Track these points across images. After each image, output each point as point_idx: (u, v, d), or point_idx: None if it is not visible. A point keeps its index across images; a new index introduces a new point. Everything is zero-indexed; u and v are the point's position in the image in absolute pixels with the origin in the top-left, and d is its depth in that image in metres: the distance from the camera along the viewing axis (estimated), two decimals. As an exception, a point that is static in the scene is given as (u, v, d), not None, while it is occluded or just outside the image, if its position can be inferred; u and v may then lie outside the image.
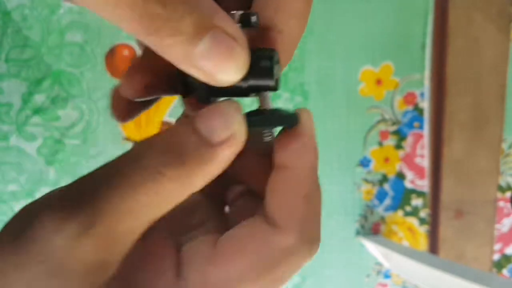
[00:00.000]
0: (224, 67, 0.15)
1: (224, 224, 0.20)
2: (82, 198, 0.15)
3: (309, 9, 0.18)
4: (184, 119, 0.19)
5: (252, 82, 0.17)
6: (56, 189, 0.16)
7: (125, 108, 0.21)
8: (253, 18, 0.17)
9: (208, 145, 0.16)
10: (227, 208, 0.22)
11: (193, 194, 0.19)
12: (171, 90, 0.20)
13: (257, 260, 0.17)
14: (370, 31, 0.76)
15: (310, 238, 0.18)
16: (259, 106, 0.18)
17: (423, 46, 0.77)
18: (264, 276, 0.17)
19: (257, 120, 0.17)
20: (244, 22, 0.17)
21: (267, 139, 0.19)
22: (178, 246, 0.19)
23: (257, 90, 0.17)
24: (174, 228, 0.20)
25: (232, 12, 0.17)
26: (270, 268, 0.17)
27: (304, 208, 0.18)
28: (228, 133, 0.16)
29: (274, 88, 0.17)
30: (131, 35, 0.15)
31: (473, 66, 0.77)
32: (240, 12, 0.17)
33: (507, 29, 0.77)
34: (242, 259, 0.17)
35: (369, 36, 0.76)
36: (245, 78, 0.16)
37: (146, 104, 0.21)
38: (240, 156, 0.18)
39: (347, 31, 0.76)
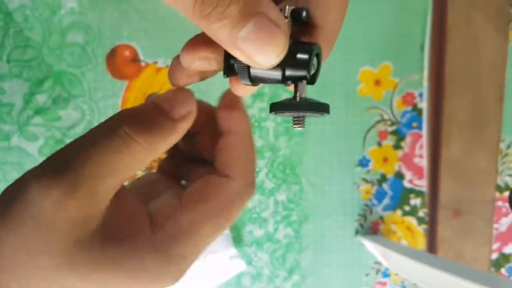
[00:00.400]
0: (263, 51, 0.16)
1: (183, 190, 0.24)
2: (66, 166, 0.18)
3: (347, 4, 0.20)
4: (148, 99, 0.22)
5: (289, 72, 0.18)
6: (43, 161, 0.19)
7: (181, 74, 0.23)
8: (303, 14, 0.18)
9: (171, 119, 0.20)
10: (183, 182, 0.26)
11: (152, 172, 0.27)
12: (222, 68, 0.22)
13: (216, 203, 0.22)
14: (369, 32, 0.76)
15: (251, 183, 0.23)
16: (294, 95, 0.19)
17: (422, 47, 0.77)
18: (221, 215, 0.22)
19: (291, 105, 0.19)
20: (295, 17, 0.18)
21: (297, 127, 0.20)
22: (145, 206, 0.22)
23: (293, 80, 0.19)
24: (141, 196, 0.23)
25: (282, 6, 0.18)
26: (225, 209, 0.22)
27: (245, 161, 0.23)
28: (185, 111, 0.21)
29: (308, 80, 0.19)
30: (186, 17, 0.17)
31: (471, 66, 0.78)
32: (292, 7, 0.18)
33: (506, 29, 0.77)
34: (205, 204, 0.22)
35: (368, 36, 0.77)
36: (283, 67, 0.18)
37: (200, 75, 0.23)
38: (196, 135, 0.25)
39: (346, 32, 0.76)
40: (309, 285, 0.80)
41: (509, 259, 0.84)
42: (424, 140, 0.79)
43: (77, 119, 0.73)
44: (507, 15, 0.77)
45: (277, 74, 0.19)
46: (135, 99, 0.74)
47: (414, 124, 0.79)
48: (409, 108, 0.78)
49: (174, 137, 0.21)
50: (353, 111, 0.78)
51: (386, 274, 0.82)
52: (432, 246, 0.82)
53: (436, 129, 0.79)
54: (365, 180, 0.79)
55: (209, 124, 0.24)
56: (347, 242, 0.80)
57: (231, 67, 0.19)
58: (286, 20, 0.18)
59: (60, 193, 0.18)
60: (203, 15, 0.16)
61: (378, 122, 0.78)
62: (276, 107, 0.20)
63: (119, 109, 0.74)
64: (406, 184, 0.80)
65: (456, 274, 0.55)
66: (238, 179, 0.22)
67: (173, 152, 0.27)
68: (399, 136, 0.79)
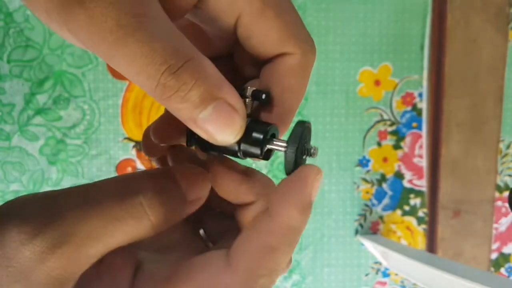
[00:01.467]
0: (222, 132, 0.17)
1: (195, 246, 0.22)
2: (56, 216, 0.16)
3: (305, 85, 0.21)
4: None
5: (243, 147, 0.19)
6: (29, 197, 0.17)
7: (155, 147, 0.24)
8: (263, 96, 0.20)
9: (184, 202, 0.19)
10: (201, 231, 0.23)
11: None
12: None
13: None
14: (369, 33, 0.77)
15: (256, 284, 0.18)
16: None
17: (421, 47, 0.78)
18: None
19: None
20: (255, 97, 0.20)
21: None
22: (138, 263, 0.20)
23: (246, 155, 0.20)
24: (145, 245, 0.21)
25: (245, 86, 0.20)
26: None
27: (261, 257, 0.18)
28: (199, 195, 0.20)
29: (260, 157, 0.20)
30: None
31: (471, 67, 0.78)
32: (253, 88, 0.20)
33: (505, 30, 0.78)
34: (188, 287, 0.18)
35: (367, 37, 0.77)
36: (239, 142, 0.19)
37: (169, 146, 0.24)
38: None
39: (346, 32, 0.76)
40: (308, 284, 0.80)
41: (508, 259, 0.84)
42: (424, 140, 0.79)
43: (77, 119, 0.73)
44: (507, 15, 0.77)
45: (234, 149, 0.20)
46: (136, 99, 0.75)
47: (414, 124, 0.79)
48: (408, 108, 0.79)
49: (179, 218, 0.19)
50: (353, 111, 0.78)
51: (385, 274, 0.82)
52: (431, 246, 0.82)
53: (436, 129, 0.79)
54: (365, 180, 0.80)
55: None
56: (347, 241, 0.80)
57: (193, 139, 0.21)
58: (247, 100, 0.20)
59: (44, 244, 0.16)
60: (164, 97, 0.16)
61: (377, 122, 0.78)
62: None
63: (119, 110, 0.74)
64: (406, 184, 0.80)
65: (456, 274, 0.55)
66: (240, 273, 0.18)
67: None
68: (399, 136, 0.79)
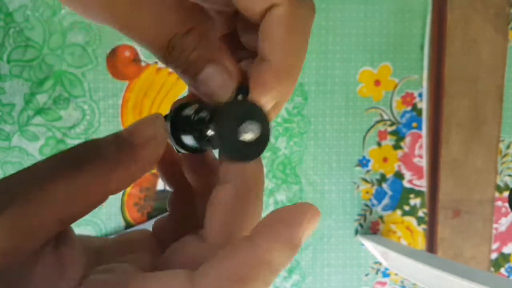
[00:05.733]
0: (216, 93, 0.19)
1: (157, 262, 0.20)
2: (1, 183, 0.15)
3: (298, 40, 0.19)
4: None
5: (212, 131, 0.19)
6: None
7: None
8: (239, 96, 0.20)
9: (129, 145, 0.18)
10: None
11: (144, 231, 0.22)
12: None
13: None
14: (369, 33, 0.77)
15: None
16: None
17: (421, 47, 0.78)
18: None
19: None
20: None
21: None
22: (87, 272, 0.17)
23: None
24: (101, 256, 0.19)
25: None
26: None
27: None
28: (147, 135, 0.18)
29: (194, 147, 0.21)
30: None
31: (471, 67, 0.78)
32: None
33: (505, 30, 0.78)
34: None
35: (367, 37, 0.77)
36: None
37: None
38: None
39: (346, 32, 0.76)
40: (308, 284, 0.80)
41: (508, 259, 0.84)
42: (424, 140, 0.79)
43: (77, 119, 0.73)
44: (507, 15, 0.77)
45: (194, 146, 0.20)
46: (136, 99, 0.75)
47: (414, 124, 0.79)
48: (408, 108, 0.79)
49: (135, 166, 0.17)
50: (353, 111, 0.78)
51: (385, 274, 0.82)
52: (431, 246, 0.82)
53: (436, 129, 0.79)
54: (365, 180, 0.80)
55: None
56: (347, 241, 0.80)
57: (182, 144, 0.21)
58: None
59: None
60: (171, 60, 0.19)
61: (377, 122, 0.78)
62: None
63: (119, 110, 0.74)
64: (406, 184, 0.80)
65: (456, 274, 0.55)
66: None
67: (174, 213, 0.23)
68: (399, 136, 0.79)
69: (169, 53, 0.19)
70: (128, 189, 0.76)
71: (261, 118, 0.18)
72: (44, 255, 0.16)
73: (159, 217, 0.23)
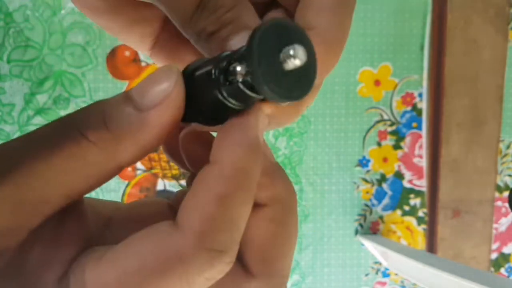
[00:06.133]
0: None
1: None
2: None
3: (345, 5, 0.17)
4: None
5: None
6: None
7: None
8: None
9: (138, 110, 0.15)
10: None
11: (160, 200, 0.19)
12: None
13: (141, 262, 0.14)
14: (369, 33, 0.77)
15: (213, 246, 0.14)
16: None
17: (421, 47, 0.78)
18: (147, 282, 0.14)
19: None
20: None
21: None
22: (88, 241, 0.16)
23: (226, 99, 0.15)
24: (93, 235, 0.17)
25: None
26: (154, 273, 0.14)
27: (213, 209, 0.14)
28: (159, 97, 0.15)
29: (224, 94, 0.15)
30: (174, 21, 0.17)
31: (471, 67, 0.78)
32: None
33: (505, 30, 0.78)
34: (126, 260, 0.14)
35: (368, 37, 0.77)
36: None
37: None
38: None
39: (346, 32, 0.76)
40: (308, 284, 0.80)
41: (508, 259, 0.84)
42: (424, 140, 0.79)
43: (77, 119, 0.73)
44: (507, 15, 0.77)
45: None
46: (136, 99, 0.75)
47: (414, 124, 0.79)
48: (408, 108, 0.79)
49: (146, 135, 0.15)
50: (353, 111, 0.78)
51: (385, 274, 0.82)
52: (431, 246, 0.82)
53: (436, 129, 0.79)
54: (365, 180, 0.80)
55: None
56: (347, 242, 0.80)
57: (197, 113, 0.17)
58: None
59: None
60: (199, 21, 0.16)
61: (377, 122, 0.78)
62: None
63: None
64: (406, 184, 0.80)
65: (456, 274, 0.55)
66: (189, 233, 0.14)
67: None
68: (399, 136, 0.79)
69: (198, 13, 0.16)
70: (128, 189, 0.76)
71: (306, 42, 0.14)
72: (43, 233, 0.15)
73: (180, 189, 0.21)
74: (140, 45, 0.21)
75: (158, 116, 0.15)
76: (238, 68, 0.14)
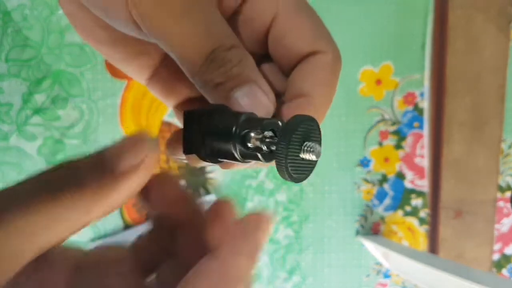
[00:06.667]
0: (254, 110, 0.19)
1: None
2: None
3: (335, 86, 0.21)
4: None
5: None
6: None
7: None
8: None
9: (110, 174, 0.16)
10: (150, 279, 0.20)
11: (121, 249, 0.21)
12: None
13: None
14: (370, 32, 0.76)
15: None
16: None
17: (422, 46, 0.77)
18: None
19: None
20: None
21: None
22: None
23: (243, 157, 0.19)
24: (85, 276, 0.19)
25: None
26: None
27: None
28: (132, 162, 0.16)
29: (246, 159, 0.19)
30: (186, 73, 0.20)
31: (473, 66, 0.78)
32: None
33: (507, 29, 0.77)
34: None
35: (368, 36, 0.76)
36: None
37: None
38: (178, 229, 0.19)
39: (347, 31, 0.76)
40: (309, 285, 0.80)
41: (510, 260, 0.84)
42: (425, 140, 0.79)
43: (76, 119, 0.73)
44: (508, 14, 0.77)
45: (229, 149, 0.19)
46: (135, 99, 0.74)
47: (415, 124, 0.79)
48: (410, 107, 0.78)
49: (116, 197, 0.16)
50: (353, 110, 0.78)
51: (386, 275, 0.81)
52: (433, 247, 0.81)
53: (437, 129, 0.79)
54: (366, 180, 0.79)
55: (190, 220, 0.20)
56: (348, 242, 0.80)
57: (191, 146, 0.20)
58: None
59: None
60: (208, 72, 0.18)
61: (379, 122, 0.78)
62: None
63: (118, 109, 0.74)
64: (407, 184, 0.80)
65: (457, 275, 0.55)
66: None
67: (156, 237, 0.21)
68: (400, 136, 0.79)
69: (207, 65, 0.18)
70: (127, 190, 0.75)
71: (320, 139, 0.18)
72: (20, 285, 0.16)
73: (139, 235, 0.22)
74: (138, 75, 0.23)
75: (131, 181, 0.16)
76: (258, 141, 0.17)
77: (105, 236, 0.75)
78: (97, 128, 0.74)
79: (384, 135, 0.78)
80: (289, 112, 0.20)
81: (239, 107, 0.19)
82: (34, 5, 0.71)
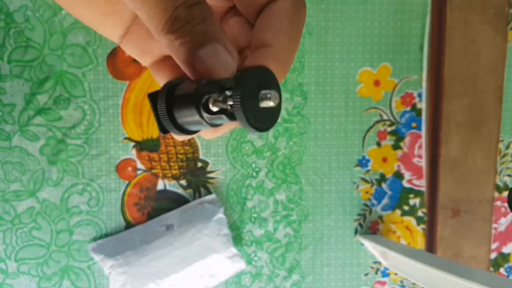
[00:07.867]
0: (215, 73, 0.19)
1: None
2: None
3: (298, 32, 0.21)
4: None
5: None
6: None
7: None
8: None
9: None
10: None
11: None
12: None
13: None
14: (369, 33, 0.77)
15: None
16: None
17: (420, 48, 0.78)
18: None
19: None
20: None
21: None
22: None
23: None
24: None
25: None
26: None
27: None
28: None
29: (206, 118, 0.19)
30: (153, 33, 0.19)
31: (470, 67, 0.78)
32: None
33: (505, 30, 0.78)
34: None
35: (367, 37, 0.77)
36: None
37: None
38: None
39: (345, 33, 0.77)
40: (308, 284, 0.81)
41: (508, 259, 0.84)
42: (423, 140, 0.80)
43: (78, 119, 0.74)
44: (506, 15, 0.78)
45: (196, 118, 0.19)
46: (136, 100, 0.75)
47: (413, 124, 0.79)
48: (408, 108, 0.79)
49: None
50: (352, 111, 0.78)
51: (385, 274, 0.82)
52: (431, 246, 0.82)
53: (435, 129, 0.79)
54: (365, 180, 0.80)
55: None
56: (347, 241, 0.81)
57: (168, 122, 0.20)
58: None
59: None
60: (172, 29, 0.18)
61: (377, 122, 0.79)
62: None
63: (119, 110, 0.75)
64: (405, 184, 0.80)
65: (455, 274, 0.55)
66: None
67: None
68: (398, 136, 0.79)
69: (171, 23, 0.18)
70: (129, 189, 0.76)
71: (277, 86, 0.18)
72: None
73: None
74: (111, 35, 0.23)
75: None
76: (220, 102, 0.18)
77: (106, 235, 0.76)
78: (99, 128, 0.74)
79: (382, 135, 0.79)
80: (250, 64, 0.20)
81: (203, 66, 0.19)
82: (36, 7, 0.71)
